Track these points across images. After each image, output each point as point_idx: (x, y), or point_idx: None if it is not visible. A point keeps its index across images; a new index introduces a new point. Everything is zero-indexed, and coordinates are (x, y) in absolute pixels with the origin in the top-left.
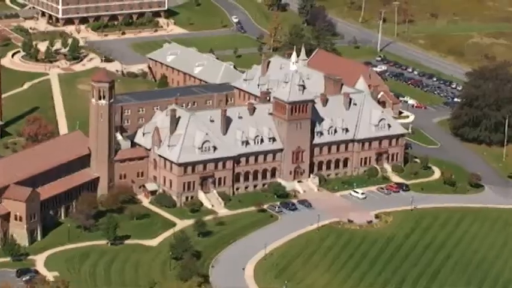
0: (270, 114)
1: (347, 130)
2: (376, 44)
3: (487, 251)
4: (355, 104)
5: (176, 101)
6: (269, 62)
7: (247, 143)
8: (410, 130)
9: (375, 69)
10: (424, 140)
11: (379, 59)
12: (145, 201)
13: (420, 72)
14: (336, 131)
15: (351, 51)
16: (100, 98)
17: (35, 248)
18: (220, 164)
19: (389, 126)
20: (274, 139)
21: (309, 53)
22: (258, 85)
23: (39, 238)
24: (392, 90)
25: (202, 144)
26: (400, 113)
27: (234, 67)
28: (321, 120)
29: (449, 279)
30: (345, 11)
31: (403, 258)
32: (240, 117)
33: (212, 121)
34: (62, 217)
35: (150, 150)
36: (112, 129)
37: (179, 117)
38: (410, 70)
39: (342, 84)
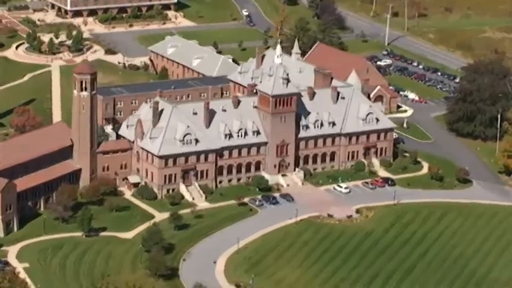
0: (255, 107)
1: (334, 124)
2: (385, 38)
3: (466, 247)
4: (343, 98)
5: (160, 93)
6: (264, 55)
7: (230, 136)
8: (405, 125)
9: (379, 63)
10: (419, 135)
11: (385, 53)
12: (128, 194)
13: (425, 67)
14: (322, 125)
15: (359, 45)
16: (82, 90)
17: (10, 239)
18: (202, 157)
19: (377, 120)
20: (258, 132)
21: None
22: (252, 78)
23: (15, 229)
24: (395, 85)
25: (184, 136)
26: (399, 107)
27: (233, 60)
28: (307, 113)
29: (423, 275)
30: (357, 5)
31: (379, 254)
32: (224, 110)
33: (195, 114)
34: (42, 208)
35: (133, 142)
36: (94, 121)
37: (162, 110)
38: (415, 64)
39: (332, 78)
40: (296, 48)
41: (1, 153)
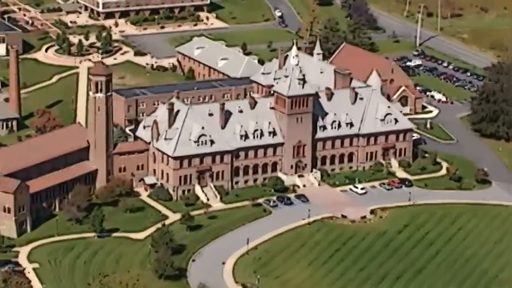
0: (272, 108)
1: (352, 124)
2: (420, 37)
3: (478, 248)
4: (361, 99)
5: (177, 94)
6: (286, 55)
7: (246, 136)
8: (428, 125)
9: (409, 63)
10: (442, 135)
11: (416, 53)
12: (144, 195)
13: (455, 67)
14: (339, 126)
15: (390, 46)
16: (97, 91)
17: (22, 240)
18: (217, 158)
19: (396, 121)
20: (274, 133)
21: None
22: (274, 79)
23: (28, 230)
24: (423, 85)
25: (198, 137)
26: (424, 107)
27: (260, 61)
28: (325, 114)
29: (433, 275)
30: (392, 5)
31: (390, 254)
32: (240, 111)
33: (211, 115)
34: (57, 209)
35: (150, 143)
36: (110, 122)
37: (178, 111)
38: (445, 64)
39: (351, 79)
40: (318, 49)
41: (15, 154)
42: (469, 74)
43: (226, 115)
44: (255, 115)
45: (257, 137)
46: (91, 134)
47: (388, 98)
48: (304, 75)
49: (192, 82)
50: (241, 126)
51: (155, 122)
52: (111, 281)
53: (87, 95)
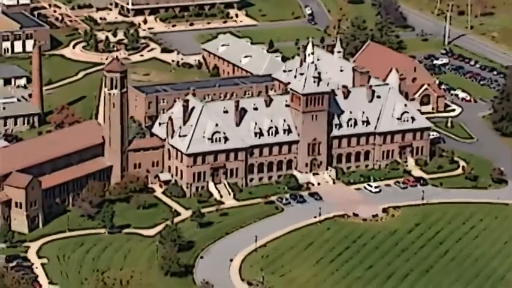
0: (287, 106)
1: (368, 123)
2: (449, 36)
3: (489, 248)
4: (379, 97)
5: (193, 92)
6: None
7: (260, 134)
8: (449, 124)
9: (436, 61)
10: (462, 134)
11: (443, 51)
12: (159, 191)
13: (482, 65)
14: (356, 124)
15: (418, 44)
16: (112, 88)
17: (34, 235)
18: (231, 155)
19: (413, 119)
20: (289, 131)
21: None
22: (295, 76)
23: (40, 225)
24: (447, 83)
25: (212, 134)
26: (447, 106)
27: (283, 59)
28: (341, 112)
29: (439, 274)
30: (423, 3)
31: (399, 253)
32: (255, 109)
33: (226, 112)
34: (70, 205)
35: (165, 140)
36: (125, 118)
37: (193, 108)
38: (472, 63)
39: (370, 77)
40: (338, 47)
41: (29, 150)
42: (495, 72)
43: (241, 112)
44: (270, 113)
45: (272, 134)
46: (106, 131)
47: (407, 96)
48: (319, 73)
49: (214, 79)
50: (256, 123)
51: (170, 118)
52: (105, 278)
53: None
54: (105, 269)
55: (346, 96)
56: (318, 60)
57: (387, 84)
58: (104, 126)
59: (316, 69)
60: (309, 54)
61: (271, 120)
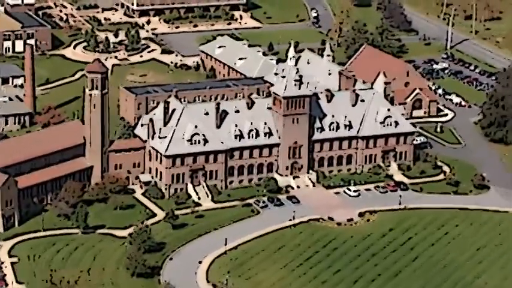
0: (269, 108)
1: (351, 127)
2: (451, 40)
3: (459, 254)
4: (362, 101)
5: (176, 93)
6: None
7: (241, 136)
8: (438, 129)
9: (435, 66)
10: (451, 139)
11: (444, 56)
12: (139, 192)
13: (481, 70)
14: (338, 127)
15: (419, 48)
16: (93, 88)
17: (8, 234)
18: (211, 157)
19: (396, 123)
20: (270, 133)
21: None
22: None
23: (16, 225)
24: (444, 88)
25: (192, 136)
26: (439, 110)
27: (278, 61)
28: (323, 116)
29: (407, 280)
30: (431, 7)
31: (369, 258)
32: (236, 111)
33: (207, 114)
34: (49, 205)
35: (146, 141)
36: (106, 119)
37: (174, 110)
38: (472, 68)
39: (356, 81)
40: (328, 51)
41: (9, 149)
42: (494, 78)
43: (223, 115)
44: (251, 115)
45: (252, 137)
46: (87, 131)
47: (392, 100)
48: (301, 76)
49: (207, 81)
50: (236, 125)
51: (151, 120)
52: (56, 278)
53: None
54: (73, 268)
55: (329, 100)
56: (308, 63)
57: (372, 88)
58: (85, 126)
59: (297, 72)
60: (290, 58)
61: (252, 123)
